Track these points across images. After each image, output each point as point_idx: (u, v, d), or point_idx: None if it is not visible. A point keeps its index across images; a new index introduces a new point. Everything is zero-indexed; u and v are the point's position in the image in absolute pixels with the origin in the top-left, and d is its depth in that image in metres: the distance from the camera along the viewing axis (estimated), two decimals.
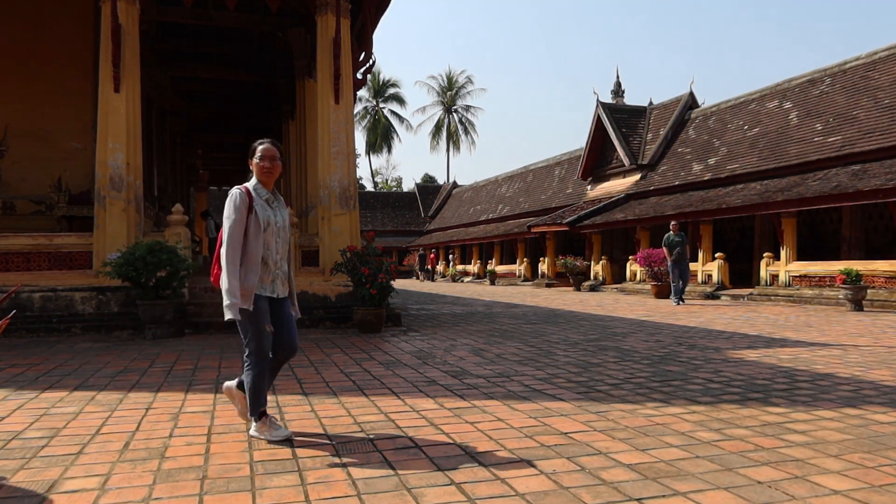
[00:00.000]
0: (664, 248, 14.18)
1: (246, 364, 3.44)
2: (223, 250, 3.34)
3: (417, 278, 38.30)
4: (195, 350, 6.94)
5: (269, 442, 3.37)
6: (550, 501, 2.53)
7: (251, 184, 3.50)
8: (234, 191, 3.39)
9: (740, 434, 3.47)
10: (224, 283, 3.31)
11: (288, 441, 3.37)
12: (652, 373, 5.34)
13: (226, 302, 3.28)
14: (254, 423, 3.48)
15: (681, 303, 13.89)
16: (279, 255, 3.54)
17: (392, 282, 8.66)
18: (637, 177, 23.26)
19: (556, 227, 23.82)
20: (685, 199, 19.07)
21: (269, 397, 4.48)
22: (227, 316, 3.29)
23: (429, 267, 38.10)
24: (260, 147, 3.51)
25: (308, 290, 9.44)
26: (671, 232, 14.09)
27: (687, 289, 17.16)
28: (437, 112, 62.01)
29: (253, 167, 3.52)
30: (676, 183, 20.60)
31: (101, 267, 8.29)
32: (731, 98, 21.72)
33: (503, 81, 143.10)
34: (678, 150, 22.30)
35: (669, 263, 14.03)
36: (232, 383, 3.67)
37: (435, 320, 10.49)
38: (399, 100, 63.07)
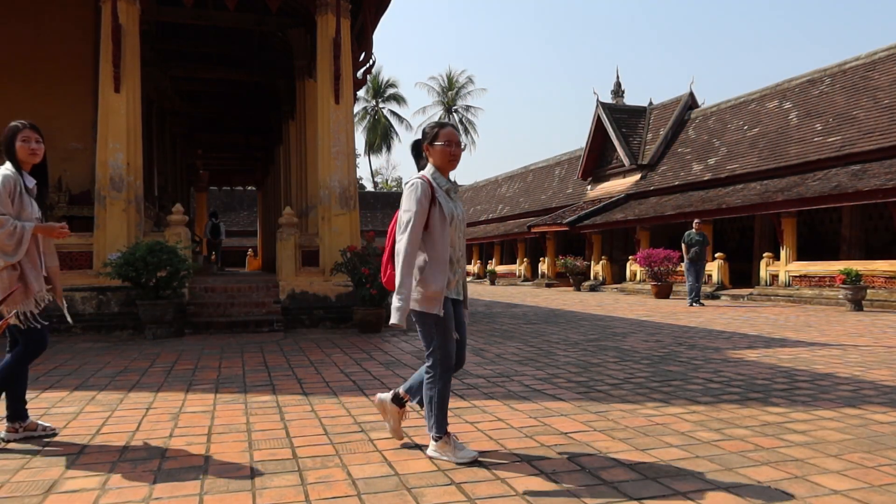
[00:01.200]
0: (682, 245, 13.93)
1: (428, 376, 3.05)
2: (400, 246, 2.95)
3: None
4: (195, 350, 6.94)
5: (457, 464, 2.97)
6: (550, 501, 2.54)
7: (429, 172, 3.07)
8: (416, 181, 3.00)
9: (740, 434, 3.47)
10: (397, 281, 2.92)
11: (475, 463, 2.98)
12: (652, 373, 5.34)
13: (395, 304, 2.89)
14: (433, 442, 3.08)
15: (695, 304, 13.50)
16: (460, 252, 3.13)
17: None
18: (637, 177, 23.25)
19: (556, 227, 23.81)
20: (685, 199, 19.07)
21: (268, 397, 4.49)
22: (394, 320, 2.89)
23: None
24: (444, 130, 3.08)
25: (308, 290, 9.44)
26: (693, 230, 13.87)
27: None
28: (438, 112, 61.99)
29: (432, 153, 3.09)
30: (676, 183, 20.60)
31: (102, 267, 8.29)
32: (731, 98, 21.73)
33: (504, 82, 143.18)
34: (678, 150, 22.30)
35: (686, 262, 13.80)
36: (386, 395, 3.29)
37: None
38: (399, 100, 63.08)
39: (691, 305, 13.49)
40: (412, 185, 3.00)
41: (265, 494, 2.62)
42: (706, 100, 23.52)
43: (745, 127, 19.89)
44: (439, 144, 3.07)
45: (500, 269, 30.55)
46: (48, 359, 6.35)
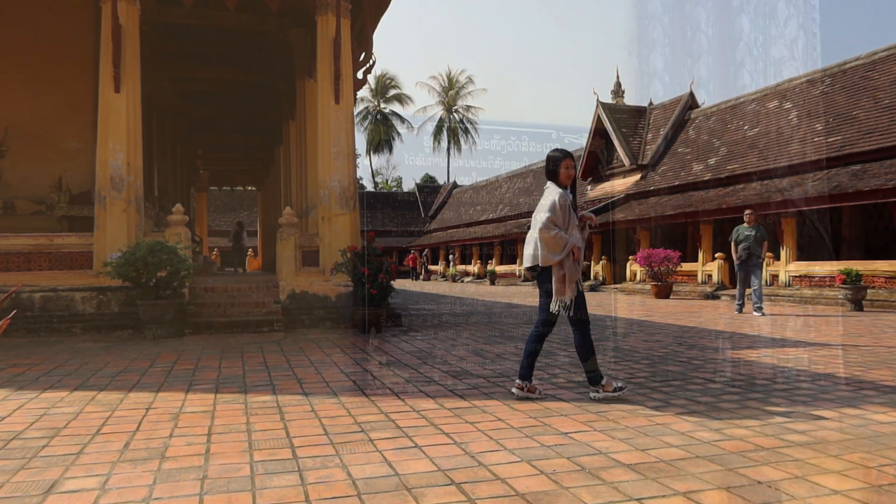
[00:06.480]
0: (731, 244, 11.24)
1: None
2: None
3: (416, 278, 38.44)
4: (195, 350, 6.94)
5: None
6: (550, 501, 2.53)
7: None
8: None
9: (740, 434, 3.47)
10: None
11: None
12: (652, 373, 5.34)
13: None
14: None
15: (757, 312, 10.85)
16: None
17: (392, 282, 8.66)
18: (637, 177, 23.25)
19: None
20: (685, 199, 19.07)
21: (268, 397, 4.49)
22: None
23: (409, 265, 38.67)
24: None
25: (308, 290, 9.44)
26: (744, 223, 11.12)
27: (687, 289, 17.19)
28: (439, 112, 62.00)
29: None
30: (676, 183, 20.59)
31: (102, 267, 8.29)
32: (732, 98, 21.72)
33: (504, 81, 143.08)
34: (678, 150, 22.29)
35: (735, 263, 11.25)
36: None
37: (435, 320, 10.49)
38: (400, 100, 63.06)
39: (739, 312, 11.21)
40: None
41: (265, 494, 2.62)
42: (706, 100, 23.49)
43: (746, 127, 19.89)
44: None
45: (500, 269, 30.55)
46: (48, 359, 6.36)
